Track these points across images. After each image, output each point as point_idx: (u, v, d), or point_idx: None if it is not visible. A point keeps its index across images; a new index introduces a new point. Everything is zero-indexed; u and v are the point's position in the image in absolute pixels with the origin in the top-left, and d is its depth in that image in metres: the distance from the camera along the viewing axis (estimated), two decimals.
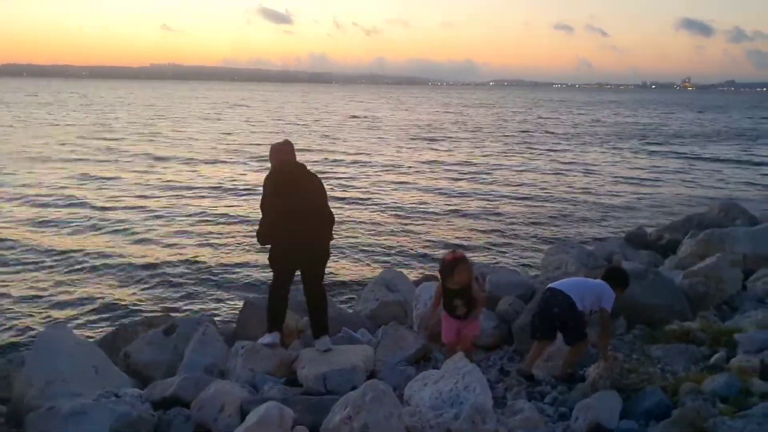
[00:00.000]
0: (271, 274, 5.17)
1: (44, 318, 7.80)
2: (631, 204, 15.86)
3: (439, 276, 4.76)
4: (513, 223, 13.48)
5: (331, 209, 5.06)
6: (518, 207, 15.27)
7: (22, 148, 25.61)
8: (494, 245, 11.66)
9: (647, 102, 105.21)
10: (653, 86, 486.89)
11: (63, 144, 27.57)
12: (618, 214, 14.65)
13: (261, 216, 5.01)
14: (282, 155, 4.90)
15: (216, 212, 14.00)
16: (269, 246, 5.00)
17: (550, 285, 4.33)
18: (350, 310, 7.03)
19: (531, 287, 6.40)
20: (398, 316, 6.26)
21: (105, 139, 30.09)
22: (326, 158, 24.12)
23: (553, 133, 38.05)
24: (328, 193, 5.08)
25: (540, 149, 28.68)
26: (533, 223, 13.59)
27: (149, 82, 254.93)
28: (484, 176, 20.21)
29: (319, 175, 5.10)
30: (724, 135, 38.58)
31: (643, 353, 4.64)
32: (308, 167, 5.06)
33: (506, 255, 10.99)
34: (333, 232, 5.11)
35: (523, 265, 10.05)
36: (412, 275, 8.59)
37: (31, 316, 7.84)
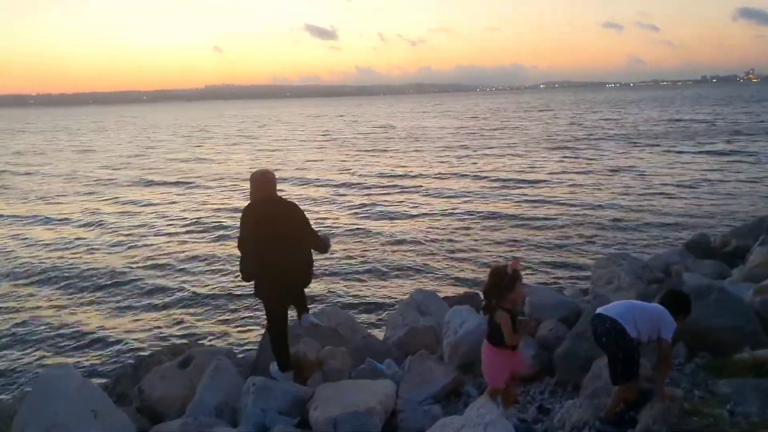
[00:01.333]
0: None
1: (62, 349, 7.75)
2: (689, 209, 14.64)
3: (489, 295, 3.78)
4: (557, 236, 12.57)
5: (316, 234, 5.11)
6: (562, 217, 14.28)
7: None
8: (535, 260, 10.86)
9: (703, 97, 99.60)
10: (714, 80, 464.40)
11: (103, 168, 28.59)
12: (675, 220, 13.49)
13: (240, 253, 5.01)
14: (261, 188, 4.86)
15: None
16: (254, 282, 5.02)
17: (598, 310, 3.72)
18: (381, 336, 6.58)
19: (576, 308, 5.77)
20: (430, 344, 5.76)
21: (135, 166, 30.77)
22: (355, 172, 23.75)
23: (599, 136, 36.16)
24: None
25: (586, 153, 27.27)
26: (579, 234, 12.62)
27: (205, 103, 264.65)
28: (523, 185, 19.22)
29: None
30: None
31: (707, 389, 3.96)
32: (284, 197, 5.09)
33: (550, 272, 10.22)
34: (313, 261, 5.21)
35: (570, 281, 9.26)
36: (448, 293, 8.04)
37: (49, 348, 7.77)
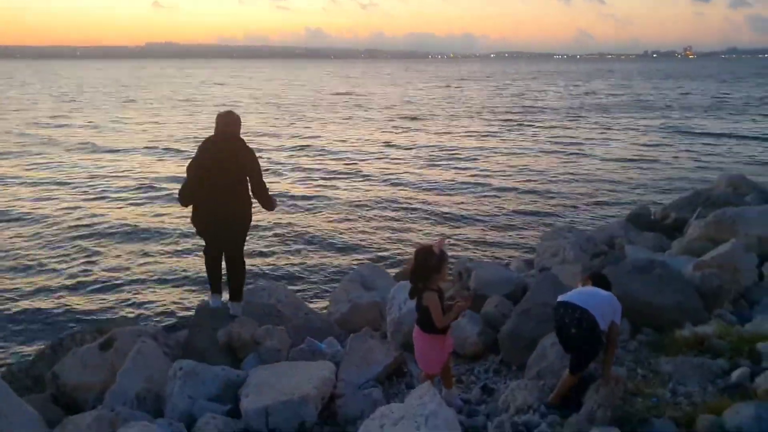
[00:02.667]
0: None
1: None
2: (630, 182, 14.91)
3: (415, 277, 3.58)
4: (501, 210, 12.43)
5: (265, 186, 5.09)
6: (506, 191, 14.13)
7: None
8: (481, 235, 10.72)
9: (645, 72, 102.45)
10: (654, 55, 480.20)
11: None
12: (617, 194, 13.69)
13: (186, 176, 5.04)
14: (224, 124, 4.95)
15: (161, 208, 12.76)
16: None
17: (562, 298, 3.52)
18: (324, 312, 6.32)
19: (521, 284, 5.69)
20: (374, 320, 5.56)
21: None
22: (299, 143, 22.68)
23: (543, 108, 36.35)
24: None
25: (529, 126, 27.20)
26: (524, 208, 12.55)
27: (145, 61, 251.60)
28: (467, 159, 18.91)
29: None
30: (724, 108, 36.88)
31: (650, 367, 3.92)
32: (246, 142, 5.07)
33: (496, 246, 10.11)
34: (254, 209, 5.17)
35: (517, 255, 9.20)
36: (394, 271, 7.82)
37: None
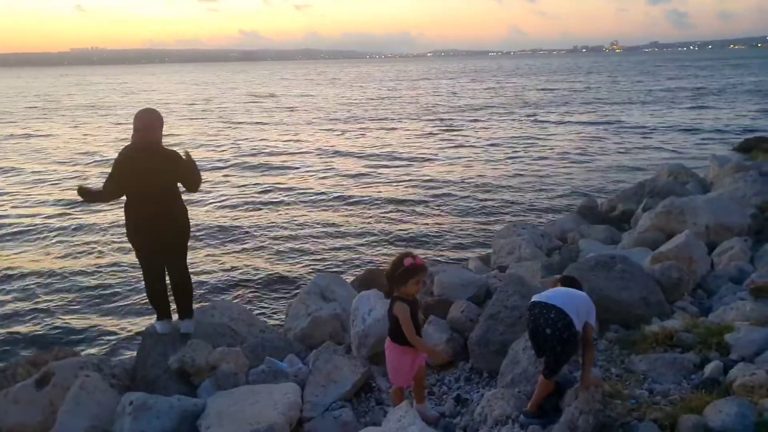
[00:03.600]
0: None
1: None
2: (573, 176, 15.14)
3: (387, 281, 3.53)
4: (450, 210, 12.28)
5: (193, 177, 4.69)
6: (453, 192, 13.88)
7: None
8: (433, 237, 10.53)
9: (572, 68, 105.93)
10: (584, 50, 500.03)
11: None
12: (563, 188, 13.87)
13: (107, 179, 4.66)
14: (141, 134, 4.55)
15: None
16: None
17: (536, 298, 3.39)
18: (280, 329, 6.01)
19: (485, 285, 5.59)
20: (335, 333, 5.30)
21: None
22: (233, 147, 21.91)
23: (477, 106, 36.29)
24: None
25: (467, 125, 27.09)
26: (473, 207, 12.46)
27: (71, 68, 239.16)
28: (409, 160, 18.39)
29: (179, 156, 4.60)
30: (647, 99, 38.30)
31: (624, 366, 3.87)
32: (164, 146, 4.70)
33: (449, 247, 9.97)
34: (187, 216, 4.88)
35: (471, 254, 9.14)
36: (350, 277, 7.58)
37: None
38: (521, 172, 15.79)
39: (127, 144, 4.72)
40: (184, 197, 4.92)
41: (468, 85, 62.53)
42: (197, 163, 4.79)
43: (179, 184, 4.74)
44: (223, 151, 21.12)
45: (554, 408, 3.48)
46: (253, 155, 20.02)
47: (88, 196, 4.76)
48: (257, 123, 30.40)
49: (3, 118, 36.38)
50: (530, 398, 3.53)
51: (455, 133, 24.64)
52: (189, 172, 4.65)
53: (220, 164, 18.24)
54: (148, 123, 4.62)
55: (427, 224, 11.22)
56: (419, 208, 12.46)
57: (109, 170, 4.76)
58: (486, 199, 12.94)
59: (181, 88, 68.99)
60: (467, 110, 34.02)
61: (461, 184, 14.54)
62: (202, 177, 4.86)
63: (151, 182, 4.56)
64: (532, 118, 28.43)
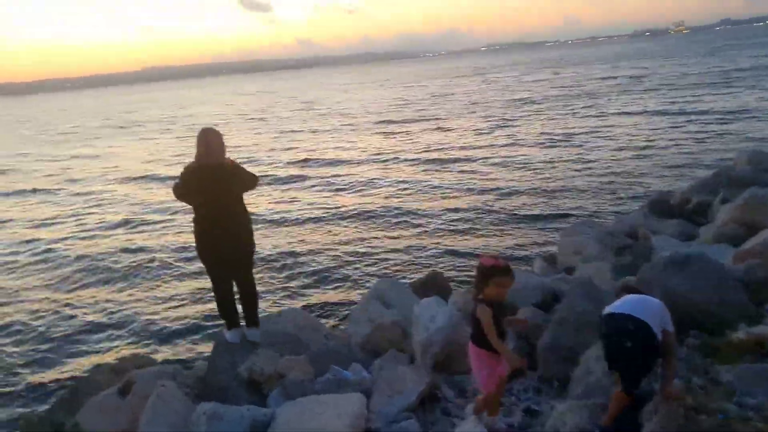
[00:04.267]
0: None
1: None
2: (641, 169, 14.27)
3: (474, 285, 3.51)
4: (513, 209, 11.89)
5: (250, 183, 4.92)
6: (515, 190, 13.50)
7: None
8: (497, 237, 10.25)
9: (634, 53, 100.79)
10: (647, 33, 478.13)
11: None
12: (630, 182, 13.13)
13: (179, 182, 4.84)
14: (204, 153, 4.72)
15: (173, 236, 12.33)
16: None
17: (610, 309, 3.22)
18: (344, 333, 6.05)
19: (552, 290, 5.40)
20: (398, 341, 5.27)
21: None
22: (295, 157, 21.95)
23: (536, 99, 34.89)
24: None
25: (526, 120, 26.31)
26: (535, 205, 12.00)
27: (143, 85, 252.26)
28: (468, 159, 18.05)
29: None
30: (718, 81, 35.56)
31: (708, 376, 3.62)
32: (233, 160, 4.89)
33: (513, 247, 9.69)
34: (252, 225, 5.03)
35: (537, 254, 8.85)
36: (412, 276, 7.54)
37: None
38: (584, 167, 15.16)
39: (191, 161, 4.88)
40: (250, 207, 5.07)
41: (523, 77, 61.10)
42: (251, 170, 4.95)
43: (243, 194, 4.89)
44: (279, 159, 21.58)
45: (632, 423, 3.30)
46: (309, 162, 20.28)
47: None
48: (312, 131, 30.71)
49: (75, 137, 38.71)
50: (605, 411, 3.37)
51: (512, 128, 24.04)
52: (243, 177, 4.85)
53: (278, 172, 18.59)
54: (211, 141, 4.78)
55: (487, 225, 11.00)
56: (478, 208, 12.23)
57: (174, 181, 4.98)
58: (548, 197, 12.53)
59: (240, 100, 71.18)
60: (523, 104, 33.21)
61: (521, 181, 14.17)
62: (256, 175, 5.03)
63: (217, 198, 4.72)
64: (592, 109, 27.30)
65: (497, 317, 3.38)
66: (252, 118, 41.78)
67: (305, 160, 20.96)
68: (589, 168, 14.98)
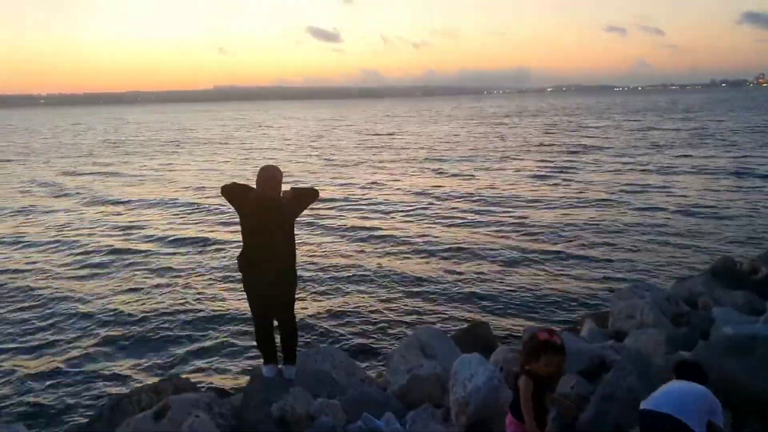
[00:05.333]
0: None
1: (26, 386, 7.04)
2: (706, 232, 13.42)
3: (522, 360, 3.35)
4: (565, 264, 11.25)
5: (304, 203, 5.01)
6: (569, 243, 12.84)
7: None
8: (545, 293, 9.77)
9: (708, 104, 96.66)
10: (723, 84, 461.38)
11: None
12: (696, 244, 12.39)
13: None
14: (261, 187, 4.81)
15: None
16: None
17: (646, 406, 3.03)
18: (380, 379, 5.97)
19: (599, 356, 5.16)
20: (435, 394, 5.15)
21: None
22: (338, 189, 21.69)
23: (597, 147, 33.62)
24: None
25: (586, 167, 25.43)
26: (587, 263, 11.30)
27: (214, 104, 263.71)
28: (520, 205, 17.44)
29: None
30: None
31: None
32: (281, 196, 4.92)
33: (561, 307, 9.19)
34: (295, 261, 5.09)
35: (586, 312, 8.49)
36: (453, 323, 7.38)
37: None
38: (644, 223, 14.47)
39: (255, 191, 4.90)
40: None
41: (586, 122, 59.82)
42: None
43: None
44: (324, 190, 21.62)
45: None
46: (357, 196, 20.06)
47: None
48: (363, 162, 30.74)
49: (139, 151, 40.66)
50: None
51: (568, 175, 23.37)
52: (301, 198, 4.95)
53: (322, 205, 18.53)
54: (266, 178, 4.83)
55: (535, 277, 10.63)
56: (528, 257, 11.87)
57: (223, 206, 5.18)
58: (604, 252, 11.98)
59: (301, 124, 73.04)
60: (584, 150, 32.32)
61: (575, 233, 13.67)
62: (315, 189, 5.14)
63: (264, 236, 4.81)
64: (657, 162, 26.20)
65: (542, 392, 3.24)
66: (307, 145, 42.58)
67: (353, 191, 21.12)
68: (651, 225, 14.24)
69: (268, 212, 4.82)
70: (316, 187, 5.28)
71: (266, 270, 4.83)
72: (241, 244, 5.09)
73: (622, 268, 10.88)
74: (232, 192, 4.97)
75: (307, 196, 5.02)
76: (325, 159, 32.55)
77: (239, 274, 5.23)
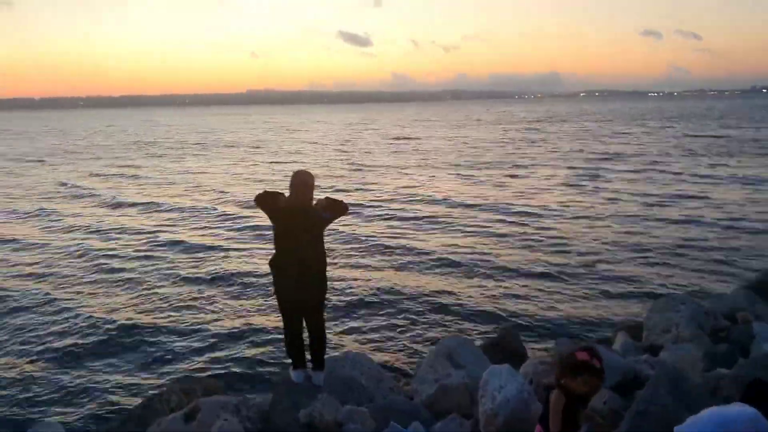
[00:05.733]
0: None
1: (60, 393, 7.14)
2: (747, 244, 12.91)
3: (556, 367, 3.37)
4: (595, 277, 10.92)
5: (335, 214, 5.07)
6: (606, 252, 12.47)
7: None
8: (577, 303, 9.54)
9: (748, 110, 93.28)
10: (764, 90, 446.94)
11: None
12: (739, 257, 11.91)
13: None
14: (295, 192, 4.91)
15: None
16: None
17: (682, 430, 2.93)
18: (407, 387, 5.94)
19: (632, 371, 5.04)
20: (464, 404, 5.10)
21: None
22: (365, 194, 21.62)
23: (636, 155, 32.58)
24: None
25: (621, 175, 24.67)
26: (622, 274, 10.97)
27: (248, 107, 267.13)
28: (555, 214, 17.10)
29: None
30: None
31: None
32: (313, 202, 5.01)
33: (593, 318, 8.97)
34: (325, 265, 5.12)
35: (619, 322, 8.26)
36: (481, 340, 7.28)
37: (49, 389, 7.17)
38: (678, 235, 14.02)
39: (286, 197, 4.99)
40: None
41: (618, 128, 58.57)
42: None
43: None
44: (350, 196, 21.64)
45: None
46: (383, 201, 19.92)
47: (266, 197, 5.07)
48: (389, 167, 30.51)
49: (167, 154, 41.34)
50: None
51: (599, 183, 22.81)
52: (333, 209, 5.01)
53: (355, 204, 18.46)
54: (298, 183, 4.93)
55: (569, 284, 10.43)
56: (560, 265, 11.62)
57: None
58: (635, 264, 11.59)
59: (328, 128, 73.19)
60: (615, 158, 31.53)
61: (605, 243, 13.31)
62: (345, 203, 5.15)
63: (300, 239, 4.88)
64: (692, 171, 25.42)
65: (574, 408, 3.17)
66: (335, 149, 42.62)
67: (377, 196, 21.04)
68: (686, 237, 13.75)
69: (296, 216, 4.90)
70: (346, 201, 5.28)
71: (295, 274, 4.88)
72: (273, 249, 5.15)
73: (655, 281, 10.58)
74: (264, 200, 5.05)
75: (337, 209, 5.05)
76: (349, 164, 32.44)
77: (266, 279, 5.32)
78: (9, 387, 7.22)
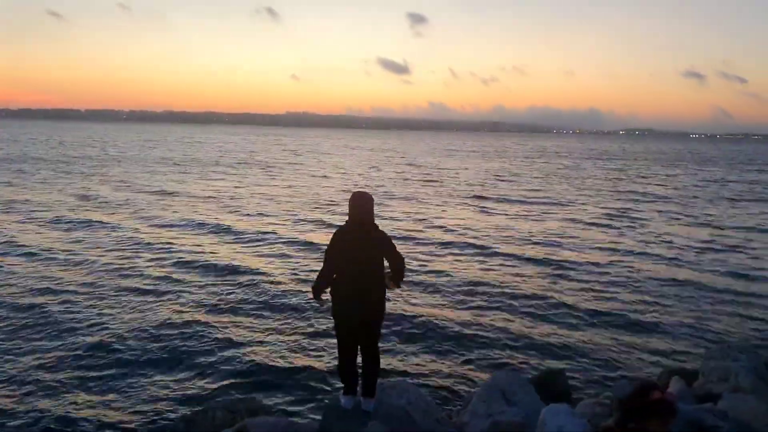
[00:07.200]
0: None
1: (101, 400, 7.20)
2: None
3: (622, 406, 3.26)
4: (642, 318, 10.59)
5: (402, 259, 5.07)
6: (643, 297, 12.03)
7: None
8: (623, 347, 9.20)
9: None
10: None
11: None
12: None
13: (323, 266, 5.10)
14: (355, 214, 4.98)
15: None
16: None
17: None
18: (456, 422, 5.84)
19: (696, 422, 4.83)
20: None
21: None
22: (390, 224, 20.53)
23: (670, 197, 31.54)
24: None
25: (662, 217, 23.92)
26: (672, 317, 10.67)
27: (283, 129, 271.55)
28: (602, 251, 16.69)
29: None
30: None
31: None
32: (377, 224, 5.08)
33: (644, 362, 8.67)
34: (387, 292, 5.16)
35: (670, 364, 7.98)
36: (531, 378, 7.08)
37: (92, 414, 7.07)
38: (739, 282, 13.47)
39: (341, 225, 5.13)
40: None
41: (657, 168, 57.28)
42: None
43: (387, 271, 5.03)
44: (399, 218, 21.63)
45: None
46: (414, 232, 19.49)
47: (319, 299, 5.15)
48: (431, 196, 30.15)
49: (195, 171, 41.20)
50: None
51: (636, 223, 22.07)
52: (400, 259, 5.03)
53: (396, 232, 18.51)
54: (362, 206, 5.01)
55: (612, 329, 10.14)
56: (599, 308, 11.26)
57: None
58: (691, 310, 11.18)
59: (360, 155, 73.04)
60: (656, 199, 30.63)
61: (652, 286, 12.87)
62: (403, 258, 5.13)
63: (361, 260, 4.90)
64: (733, 217, 24.46)
65: None
66: (363, 176, 42.32)
67: (428, 225, 20.89)
68: (746, 284, 13.24)
69: (359, 240, 4.94)
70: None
71: (357, 299, 4.90)
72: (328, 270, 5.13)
73: (712, 327, 10.19)
74: (329, 257, 5.02)
75: (398, 274, 5.05)
76: (378, 190, 31.93)
77: (308, 303, 5.34)
78: (47, 398, 7.20)
